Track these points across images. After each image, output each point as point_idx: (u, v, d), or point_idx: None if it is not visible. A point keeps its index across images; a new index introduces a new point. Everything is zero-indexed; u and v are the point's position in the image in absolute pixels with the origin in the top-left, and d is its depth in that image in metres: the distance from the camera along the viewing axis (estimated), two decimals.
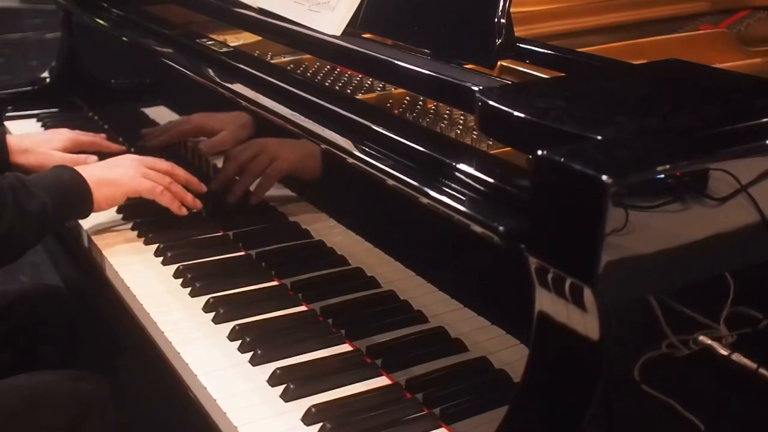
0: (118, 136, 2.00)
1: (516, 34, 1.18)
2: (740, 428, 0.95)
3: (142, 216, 1.53)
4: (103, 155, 1.78)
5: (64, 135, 1.77)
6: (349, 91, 1.42)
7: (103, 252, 1.45)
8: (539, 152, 0.81)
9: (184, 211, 1.49)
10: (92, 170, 1.45)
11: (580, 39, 1.45)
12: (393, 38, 1.32)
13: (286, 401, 1.07)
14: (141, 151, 1.75)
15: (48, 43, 3.24)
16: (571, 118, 0.89)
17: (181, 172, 1.52)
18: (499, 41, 1.15)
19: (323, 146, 1.23)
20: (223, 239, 1.48)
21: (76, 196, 1.41)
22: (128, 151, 1.79)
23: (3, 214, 1.28)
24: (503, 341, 1.10)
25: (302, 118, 1.26)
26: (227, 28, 1.75)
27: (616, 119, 0.89)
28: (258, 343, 1.17)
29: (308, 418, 1.03)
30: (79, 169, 1.44)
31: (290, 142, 1.41)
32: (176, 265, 1.38)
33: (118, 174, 1.46)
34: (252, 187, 1.50)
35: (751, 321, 0.90)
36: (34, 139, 1.77)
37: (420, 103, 1.34)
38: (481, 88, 1.05)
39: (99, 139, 1.81)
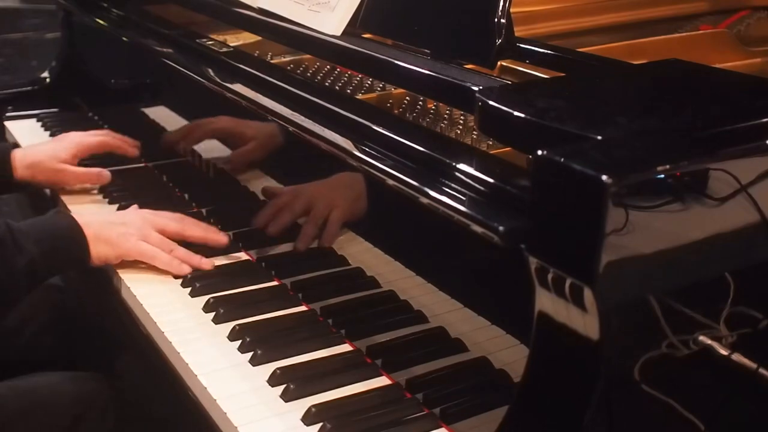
0: None
1: (516, 34, 1.18)
2: (740, 428, 0.95)
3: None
4: (115, 157, 1.75)
5: (70, 142, 1.70)
6: (349, 91, 1.42)
7: None
8: (539, 152, 0.81)
9: (185, 270, 1.37)
10: (92, 222, 1.37)
11: (580, 39, 1.45)
12: (393, 38, 1.32)
13: (286, 401, 1.07)
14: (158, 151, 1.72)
15: (48, 43, 3.23)
16: (571, 118, 0.89)
17: (193, 231, 1.43)
18: (499, 41, 1.15)
19: (326, 146, 1.22)
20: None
21: (72, 249, 1.33)
22: (137, 148, 1.76)
23: None
24: (503, 341, 1.10)
25: (302, 118, 1.26)
26: (227, 28, 1.75)
27: (616, 119, 0.89)
28: (258, 343, 1.17)
29: (308, 418, 1.03)
30: (81, 218, 1.36)
31: (341, 185, 1.33)
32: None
33: (118, 233, 1.37)
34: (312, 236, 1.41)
35: (751, 321, 0.90)
36: (39, 152, 1.69)
37: (420, 103, 1.34)
38: (481, 88, 1.05)
39: (107, 138, 1.75)
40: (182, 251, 1.40)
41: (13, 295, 1.30)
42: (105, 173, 1.65)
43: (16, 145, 1.72)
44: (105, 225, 1.38)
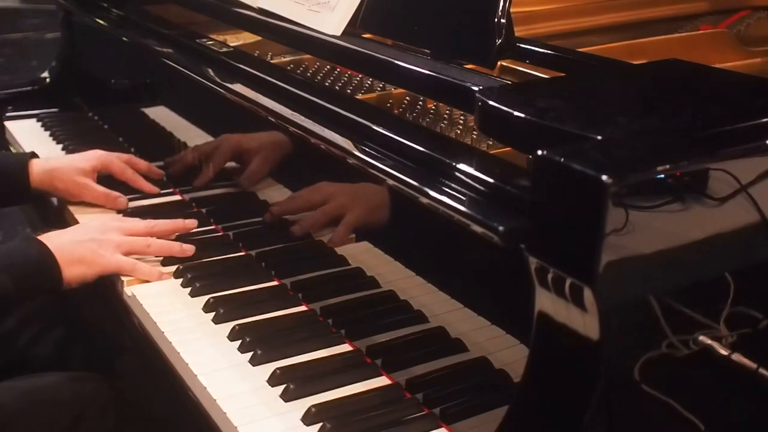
0: (118, 137, 2.01)
1: (516, 34, 1.18)
2: (740, 428, 0.95)
3: (142, 216, 1.53)
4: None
5: (92, 154, 1.67)
6: (349, 91, 1.42)
7: None
8: (539, 152, 0.81)
9: (165, 278, 1.36)
10: (64, 246, 1.33)
11: (580, 39, 1.45)
12: (393, 38, 1.32)
13: (286, 401, 1.07)
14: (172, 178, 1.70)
15: (48, 43, 3.24)
16: (571, 118, 0.89)
17: (162, 226, 1.44)
18: (499, 41, 1.15)
19: (325, 147, 1.22)
20: (223, 239, 1.48)
21: (45, 278, 1.31)
22: (160, 182, 1.70)
23: None
24: (503, 341, 1.10)
25: (302, 118, 1.26)
26: (227, 28, 1.75)
27: (616, 119, 0.89)
28: (258, 343, 1.17)
29: (308, 418, 1.03)
30: (50, 242, 1.33)
31: (361, 193, 1.32)
32: (176, 265, 1.38)
33: (92, 251, 1.34)
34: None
35: (751, 321, 0.90)
36: (59, 161, 1.67)
37: (420, 103, 1.34)
38: (481, 88, 1.05)
39: (128, 172, 1.67)
40: (160, 243, 1.41)
41: None
42: (122, 200, 1.61)
43: (35, 155, 1.70)
44: (77, 245, 1.35)
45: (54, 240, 1.34)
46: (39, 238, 1.35)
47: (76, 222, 1.57)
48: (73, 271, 1.33)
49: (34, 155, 1.69)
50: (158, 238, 1.42)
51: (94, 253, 1.35)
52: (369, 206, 1.30)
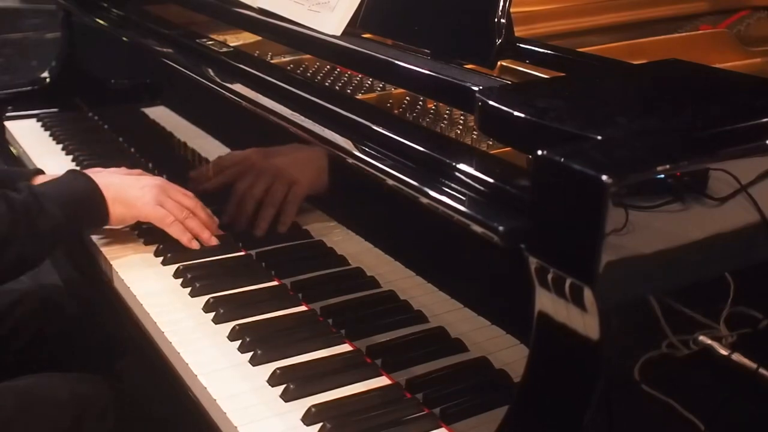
0: (118, 137, 2.01)
1: (516, 34, 1.18)
2: (740, 428, 0.95)
3: None
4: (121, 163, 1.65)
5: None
6: (349, 91, 1.42)
7: (104, 252, 1.45)
8: (539, 152, 0.81)
9: (195, 245, 1.42)
10: (111, 184, 1.41)
11: (580, 39, 1.45)
12: (393, 38, 1.32)
13: (286, 401, 1.07)
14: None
15: (48, 43, 3.24)
16: (571, 118, 0.89)
17: (202, 213, 1.46)
18: (499, 41, 1.15)
19: (326, 147, 1.22)
20: (223, 239, 1.48)
21: (92, 210, 1.38)
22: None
23: (14, 236, 1.26)
24: (503, 341, 1.10)
25: (302, 118, 1.26)
26: (227, 28, 1.74)
27: (616, 119, 0.89)
28: (258, 343, 1.17)
29: (308, 418, 1.04)
30: (98, 179, 1.40)
31: (298, 159, 1.36)
32: (176, 265, 1.38)
33: (135, 195, 1.41)
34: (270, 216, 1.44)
35: (751, 321, 0.90)
36: None
37: (420, 103, 1.34)
38: (481, 88, 1.04)
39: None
40: (196, 222, 1.44)
41: (38, 258, 1.34)
42: None
43: (39, 171, 1.65)
44: (123, 187, 1.42)
45: (104, 177, 1.41)
46: (87, 172, 1.42)
47: None
48: (116, 210, 1.40)
49: (39, 172, 1.61)
50: None
51: (138, 200, 1.41)
52: (312, 173, 1.35)
